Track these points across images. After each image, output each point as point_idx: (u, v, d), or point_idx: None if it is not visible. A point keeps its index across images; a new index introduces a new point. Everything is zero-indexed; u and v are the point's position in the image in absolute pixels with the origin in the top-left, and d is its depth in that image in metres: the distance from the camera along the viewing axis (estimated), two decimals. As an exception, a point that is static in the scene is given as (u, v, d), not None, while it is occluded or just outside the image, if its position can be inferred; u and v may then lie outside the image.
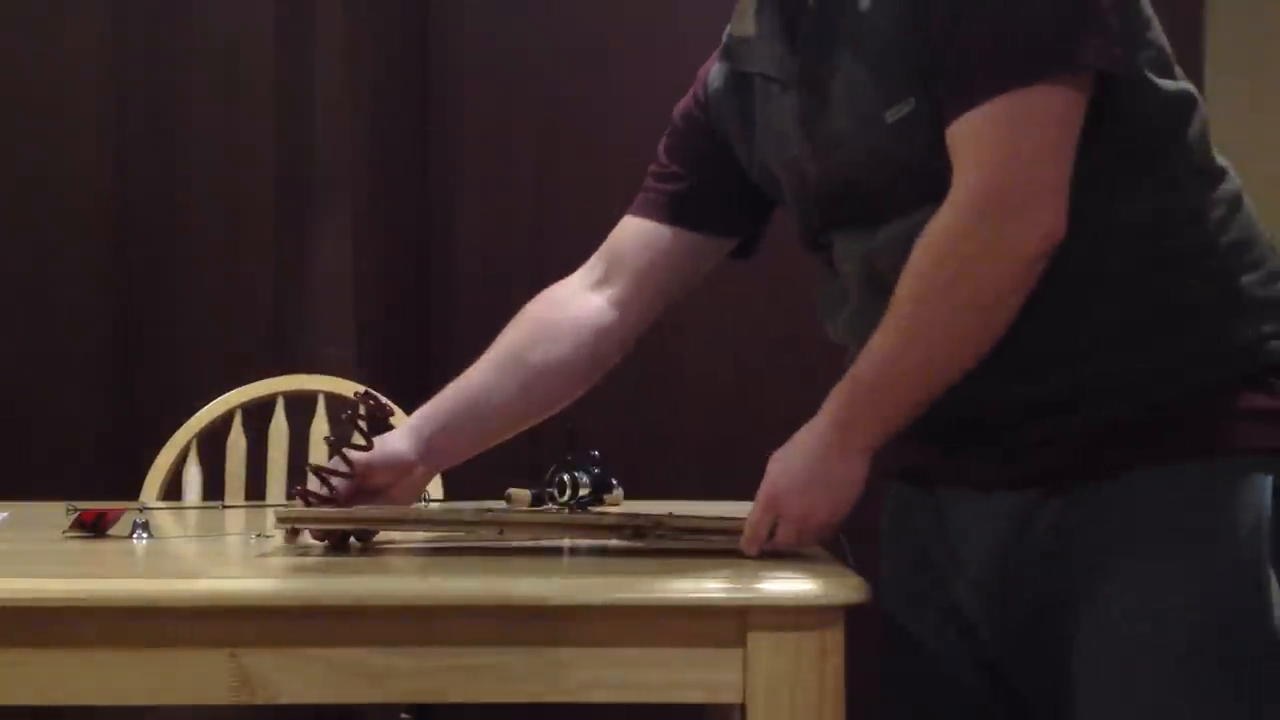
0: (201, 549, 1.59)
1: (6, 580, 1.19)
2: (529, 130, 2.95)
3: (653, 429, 2.82)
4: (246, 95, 2.83)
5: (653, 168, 1.54)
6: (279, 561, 1.29)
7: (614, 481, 1.74)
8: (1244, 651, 1.19)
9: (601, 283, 1.51)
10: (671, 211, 1.50)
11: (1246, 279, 1.25)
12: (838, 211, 1.35)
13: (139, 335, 2.82)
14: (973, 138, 1.19)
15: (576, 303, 1.49)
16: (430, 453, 1.42)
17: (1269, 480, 1.22)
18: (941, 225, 1.21)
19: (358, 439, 1.41)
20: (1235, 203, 1.28)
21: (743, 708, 1.17)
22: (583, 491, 1.66)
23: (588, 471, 1.67)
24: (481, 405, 1.44)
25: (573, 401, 1.51)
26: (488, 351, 1.46)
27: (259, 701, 1.16)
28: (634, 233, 1.52)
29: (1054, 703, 1.27)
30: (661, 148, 1.55)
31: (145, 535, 1.46)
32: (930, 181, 1.24)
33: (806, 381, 2.72)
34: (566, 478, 1.66)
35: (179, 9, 2.84)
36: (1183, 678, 1.19)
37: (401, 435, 1.42)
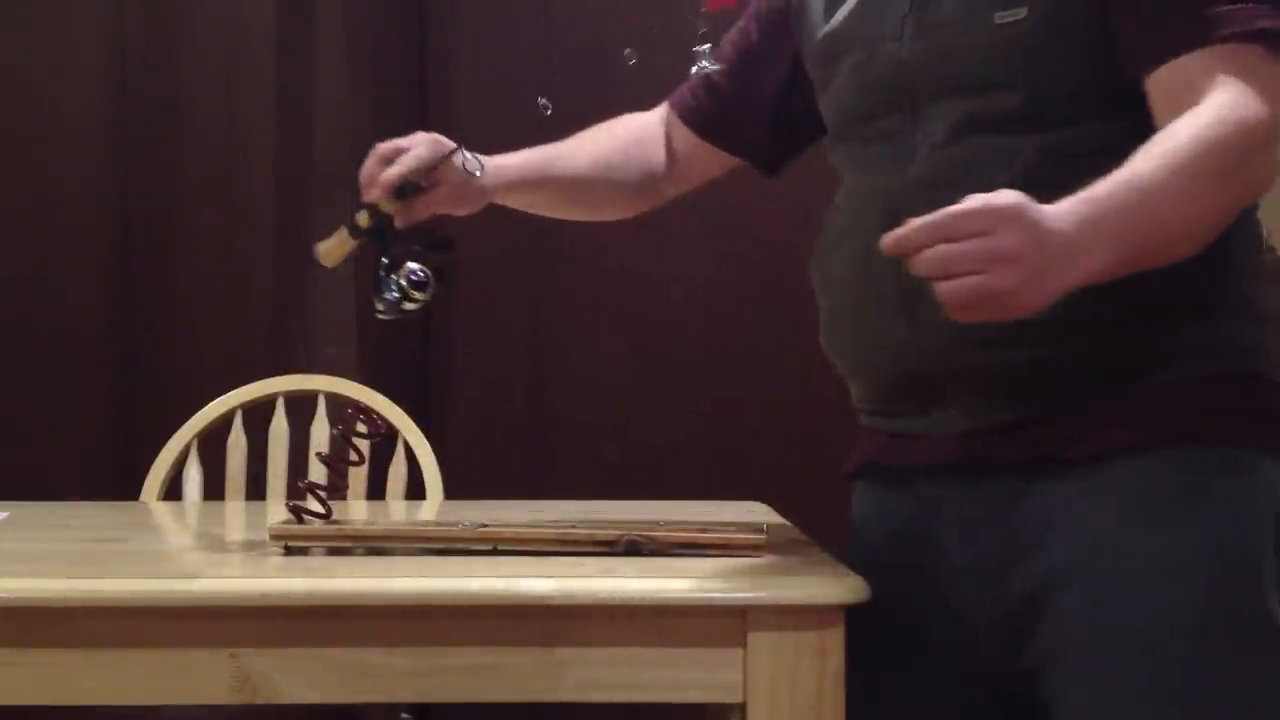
0: (202, 549, 1.59)
1: (6, 580, 1.19)
2: (528, 128, 2.93)
3: (652, 429, 2.82)
4: (246, 95, 2.83)
5: (704, 58, 1.55)
6: (279, 561, 1.29)
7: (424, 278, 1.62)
8: (1241, 640, 1.18)
9: (663, 139, 1.66)
10: (700, 126, 1.62)
11: (1247, 282, 1.24)
12: (920, 80, 1.29)
13: (139, 335, 2.82)
14: (1244, 70, 1.14)
15: (651, 146, 1.67)
16: (501, 191, 1.65)
17: (1264, 469, 1.21)
18: (1232, 102, 1.13)
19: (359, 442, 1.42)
20: (1248, 211, 1.26)
21: (743, 707, 1.17)
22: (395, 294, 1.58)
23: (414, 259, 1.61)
24: (559, 187, 1.68)
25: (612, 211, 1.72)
26: (586, 144, 1.69)
27: (259, 701, 1.16)
28: (674, 123, 1.66)
29: (1054, 703, 1.25)
30: (727, 37, 1.59)
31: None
32: (1003, 99, 1.22)
33: (807, 381, 2.73)
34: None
35: (179, 9, 2.84)
36: (1180, 668, 1.17)
37: (489, 168, 1.63)
